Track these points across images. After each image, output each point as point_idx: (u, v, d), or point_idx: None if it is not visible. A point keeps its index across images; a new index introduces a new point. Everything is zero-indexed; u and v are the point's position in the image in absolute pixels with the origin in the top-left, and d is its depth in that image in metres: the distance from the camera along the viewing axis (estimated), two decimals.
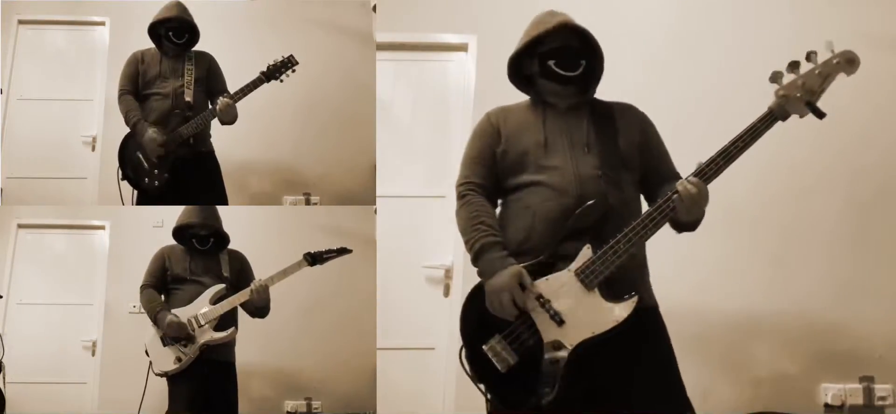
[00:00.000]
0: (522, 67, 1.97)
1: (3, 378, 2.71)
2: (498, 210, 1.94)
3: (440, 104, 3.15)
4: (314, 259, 2.66)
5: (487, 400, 1.85)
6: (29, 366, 3.30)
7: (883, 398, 2.75)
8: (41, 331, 3.44)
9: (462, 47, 3.11)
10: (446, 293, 3.03)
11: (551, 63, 1.88)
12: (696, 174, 1.70)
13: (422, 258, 3.06)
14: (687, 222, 1.76)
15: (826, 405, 2.76)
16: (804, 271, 2.81)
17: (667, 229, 1.77)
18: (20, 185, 3.37)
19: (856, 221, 2.82)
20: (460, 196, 1.94)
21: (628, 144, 1.86)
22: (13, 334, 3.30)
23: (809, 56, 1.71)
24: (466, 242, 1.86)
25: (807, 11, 2.88)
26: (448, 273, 3.03)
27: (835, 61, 1.70)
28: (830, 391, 2.76)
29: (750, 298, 2.80)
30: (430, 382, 3.01)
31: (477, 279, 1.84)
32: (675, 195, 1.70)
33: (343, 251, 2.72)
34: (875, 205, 2.82)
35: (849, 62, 1.69)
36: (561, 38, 1.87)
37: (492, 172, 1.92)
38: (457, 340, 2.89)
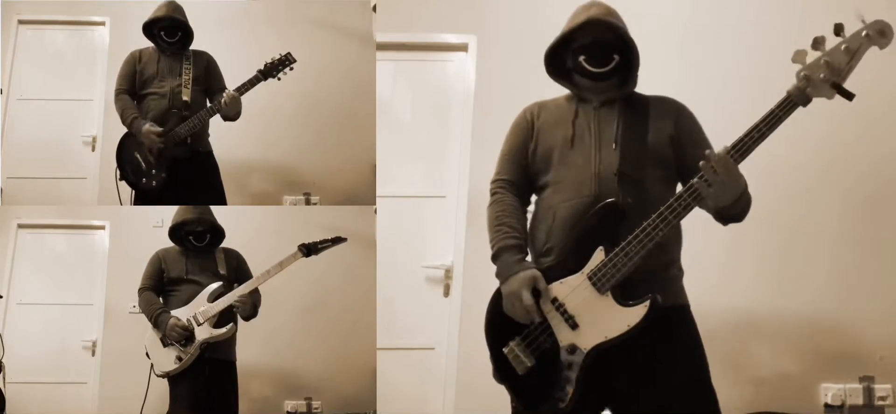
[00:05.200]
0: (563, 60, 1.90)
1: (3, 378, 2.71)
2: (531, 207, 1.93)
3: (440, 104, 3.15)
4: (309, 250, 2.66)
5: (512, 400, 1.85)
6: (29, 366, 3.30)
7: (883, 398, 2.74)
8: (41, 331, 3.44)
9: (462, 47, 3.10)
10: (446, 293, 3.03)
11: (582, 59, 1.83)
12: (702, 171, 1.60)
13: (422, 258, 3.06)
14: (727, 210, 1.68)
15: (826, 405, 2.76)
16: (805, 272, 2.80)
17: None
18: (20, 185, 3.37)
19: (857, 222, 2.81)
20: (491, 193, 1.92)
21: (659, 140, 1.80)
22: (13, 334, 3.30)
23: (838, 29, 1.54)
24: (490, 242, 1.86)
25: None
26: (448, 273, 3.03)
27: (864, 34, 1.52)
28: (830, 391, 2.75)
29: (751, 298, 2.80)
30: (430, 382, 3.00)
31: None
32: (700, 178, 1.60)
33: (338, 240, 2.72)
34: (876, 205, 2.81)
35: (880, 34, 1.51)
36: (592, 32, 1.82)
37: (524, 169, 1.90)
38: (456, 340, 2.95)
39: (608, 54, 1.82)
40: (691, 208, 1.65)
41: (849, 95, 1.54)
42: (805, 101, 1.59)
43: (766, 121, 1.59)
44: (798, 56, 1.57)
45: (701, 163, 1.60)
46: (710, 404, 1.73)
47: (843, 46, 1.54)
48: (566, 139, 1.83)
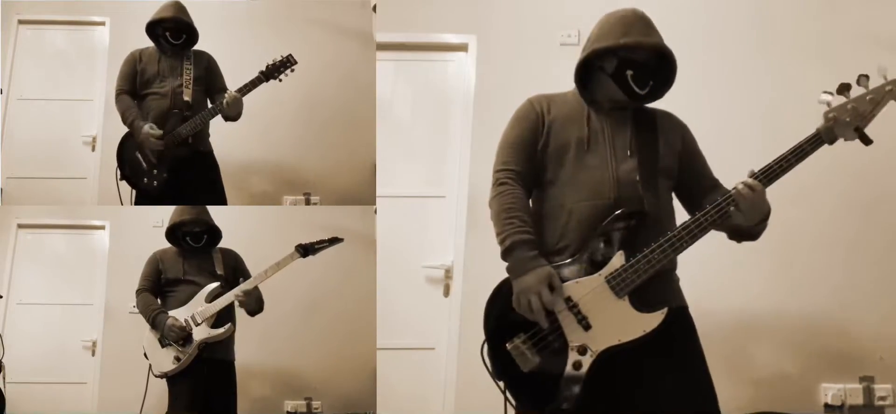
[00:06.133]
0: (590, 59, 1.87)
1: (3, 378, 2.71)
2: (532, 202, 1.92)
3: (440, 104, 3.15)
4: (306, 250, 2.66)
5: (506, 398, 1.82)
6: (29, 366, 3.30)
7: (883, 398, 2.74)
8: (41, 331, 3.45)
9: (462, 47, 3.10)
10: (446, 293, 3.03)
11: (629, 73, 1.81)
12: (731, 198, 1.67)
13: (422, 258, 3.06)
14: (746, 230, 1.73)
15: (826, 405, 2.76)
16: (805, 272, 2.80)
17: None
18: (20, 185, 3.37)
19: (857, 222, 2.81)
20: (497, 183, 1.86)
21: (668, 151, 1.83)
22: (13, 334, 3.30)
23: (860, 80, 1.68)
24: (498, 234, 1.81)
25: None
26: (448, 273, 3.02)
27: (888, 88, 1.67)
28: (830, 391, 2.75)
29: (750, 298, 2.80)
30: (430, 383, 3.00)
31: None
32: (730, 200, 1.68)
33: (335, 241, 2.73)
34: (876, 205, 2.81)
35: None
36: (647, 52, 1.82)
37: (531, 160, 1.86)
38: (456, 340, 2.94)
39: (649, 78, 1.82)
40: (717, 225, 1.71)
41: (867, 141, 1.71)
42: (831, 139, 1.72)
43: (794, 152, 1.71)
44: (825, 98, 1.70)
45: (734, 188, 1.69)
46: (711, 404, 1.74)
47: (868, 97, 1.69)
48: (581, 139, 1.82)
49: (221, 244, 2.77)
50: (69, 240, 3.55)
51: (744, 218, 1.69)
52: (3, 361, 2.72)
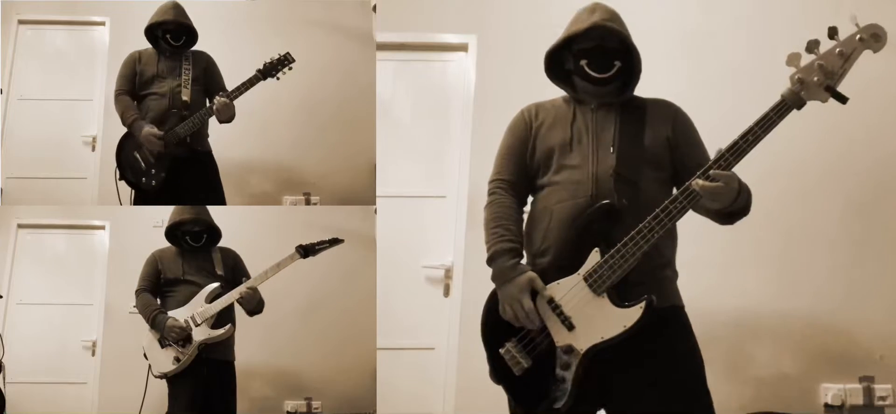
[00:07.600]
0: (563, 61, 1.90)
1: (3, 378, 2.71)
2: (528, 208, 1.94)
3: (440, 104, 3.15)
4: (306, 251, 2.66)
5: (509, 400, 1.87)
6: (29, 366, 3.30)
7: (883, 398, 2.74)
8: (41, 331, 3.44)
9: (462, 47, 3.10)
10: (446, 293, 3.03)
11: (583, 63, 1.83)
12: (702, 175, 1.61)
13: (422, 258, 3.06)
14: (728, 210, 1.68)
15: (826, 405, 2.76)
16: (805, 272, 2.80)
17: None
18: (20, 185, 3.37)
19: (857, 222, 2.81)
20: (489, 193, 1.93)
21: (655, 142, 1.81)
22: (13, 334, 3.30)
23: (832, 32, 1.54)
24: (485, 243, 1.87)
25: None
26: (448, 273, 3.03)
27: (858, 38, 1.53)
28: (830, 391, 2.75)
29: (750, 298, 2.80)
30: (430, 383, 3.01)
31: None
32: (689, 196, 1.63)
33: (335, 242, 2.72)
34: (876, 205, 2.81)
35: (874, 37, 1.52)
36: (596, 37, 1.81)
37: (523, 169, 1.90)
38: (456, 340, 2.95)
39: (610, 60, 1.82)
40: (686, 210, 1.67)
41: (842, 99, 1.55)
42: (799, 104, 1.59)
43: (760, 124, 1.60)
44: (792, 59, 1.57)
45: (692, 182, 1.62)
46: (705, 404, 1.74)
47: (837, 50, 1.54)
48: (564, 141, 1.84)
49: (221, 244, 2.76)
50: (69, 240, 3.55)
51: (716, 204, 1.64)
52: (3, 361, 2.72)
